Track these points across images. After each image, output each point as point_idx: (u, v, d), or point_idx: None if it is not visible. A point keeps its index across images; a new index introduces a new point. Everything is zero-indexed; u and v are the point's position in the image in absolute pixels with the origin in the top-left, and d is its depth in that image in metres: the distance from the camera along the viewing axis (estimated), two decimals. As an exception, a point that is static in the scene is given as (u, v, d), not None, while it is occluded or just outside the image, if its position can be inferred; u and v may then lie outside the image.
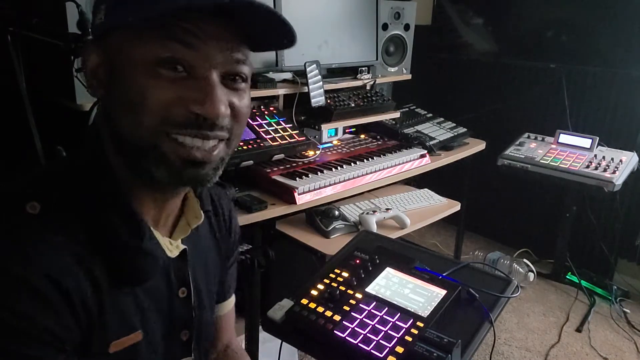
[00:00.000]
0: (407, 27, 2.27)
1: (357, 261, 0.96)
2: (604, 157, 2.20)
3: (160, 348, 0.66)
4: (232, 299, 0.90)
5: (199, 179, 0.59)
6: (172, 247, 0.67)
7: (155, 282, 0.64)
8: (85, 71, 0.59)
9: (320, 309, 0.85)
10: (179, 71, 0.54)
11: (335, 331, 0.80)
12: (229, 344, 0.90)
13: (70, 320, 0.53)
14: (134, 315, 0.61)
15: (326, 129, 1.93)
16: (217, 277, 0.80)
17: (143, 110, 0.54)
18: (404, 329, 0.79)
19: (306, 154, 1.77)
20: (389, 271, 0.93)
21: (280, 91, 1.80)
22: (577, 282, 2.50)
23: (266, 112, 1.72)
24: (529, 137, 2.49)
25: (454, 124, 2.43)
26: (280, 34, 0.58)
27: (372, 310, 0.83)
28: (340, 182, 1.66)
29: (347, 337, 0.79)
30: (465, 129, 2.41)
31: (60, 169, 0.61)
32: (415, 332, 0.78)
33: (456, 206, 1.99)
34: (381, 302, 0.85)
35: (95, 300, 0.56)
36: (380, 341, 0.77)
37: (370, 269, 0.93)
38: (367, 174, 1.76)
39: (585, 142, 2.30)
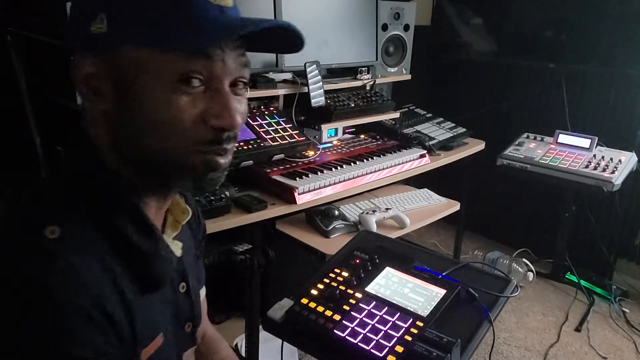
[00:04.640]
0: (406, 28, 2.27)
1: (357, 261, 0.96)
2: (603, 157, 2.21)
3: (174, 345, 0.68)
4: (204, 289, 0.91)
5: (215, 183, 0.61)
6: (175, 247, 0.68)
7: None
8: (75, 78, 0.57)
9: (320, 309, 0.85)
10: (194, 85, 0.54)
11: (335, 330, 0.80)
12: (205, 332, 0.92)
13: (116, 341, 0.54)
14: (155, 320, 0.62)
15: (326, 129, 1.93)
16: (196, 266, 0.82)
17: (171, 131, 0.54)
18: (404, 329, 0.79)
19: (306, 154, 1.78)
20: (388, 271, 0.93)
21: (280, 91, 1.80)
22: (577, 281, 2.50)
23: (266, 112, 1.72)
24: (528, 137, 2.49)
25: (454, 124, 2.43)
26: (291, 45, 0.61)
27: (371, 310, 0.84)
28: (340, 182, 1.66)
29: (347, 337, 0.79)
30: (464, 129, 2.41)
31: (65, 185, 0.59)
32: (415, 331, 0.78)
33: (455, 206, 1.99)
34: (381, 302, 0.85)
35: (127, 314, 0.56)
36: (380, 340, 0.77)
37: (370, 268, 0.94)
38: (367, 174, 1.76)
39: (585, 142, 2.31)
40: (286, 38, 0.59)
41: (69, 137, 0.62)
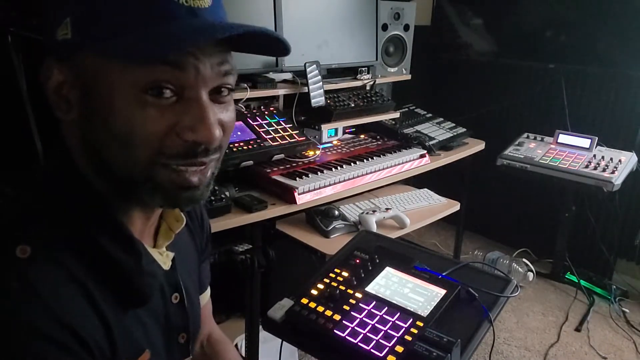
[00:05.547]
0: (406, 28, 2.28)
1: (357, 261, 0.96)
2: (603, 157, 2.21)
3: (164, 358, 0.65)
4: (208, 290, 0.90)
5: (194, 200, 0.57)
6: (164, 258, 0.65)
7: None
8: (46, 86, 0.54)
9: (320, 309, 0.85)
10: (166, 96, 0.50)
11: (335, 330, 0.80)
12: (211, 333, 0.91)
13: None
14: (139, 336, 0.60)
15: (326, 129, 1.93)
16: (196, 272, 0.80)
17: (134, 143, 0.50)
18: (404, 329, 0.79)
19: (306, 154, 1.78)
20: (388, 271, 0.93)
21: (281, 91, 1.80)
22: (577, 281, 2.50)
23: (266, 112, 1.72)
24: (528, 137, 2.49)
25: (454, 124, 2.43)
26: (274, 49, 0.57)
27: (372, 310, 0.83)
28: (340, 182, 1.66)
29: (347, 337, 0.79)
30: (464, 129, 2.41)
31: (39, 199, 0.56)
32: (415, 331, 0.78)
33: (455, 206, 1.99)
34: (381, 302, 0.85)
35: (105, 333, 0.54)
36: (380, 340, 0.77)
37: (370, 268, 0.94)
38: (367, 174, 1.76)
39: (584, 142, 2.31)
40: (270, 42, 0.55)
41: (49, 149, 0.60)
